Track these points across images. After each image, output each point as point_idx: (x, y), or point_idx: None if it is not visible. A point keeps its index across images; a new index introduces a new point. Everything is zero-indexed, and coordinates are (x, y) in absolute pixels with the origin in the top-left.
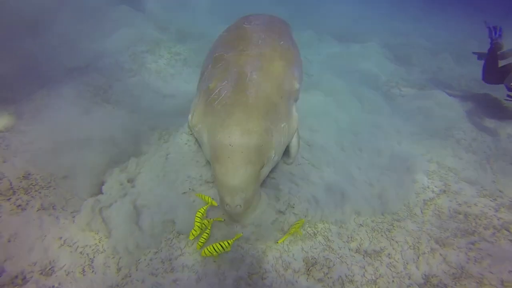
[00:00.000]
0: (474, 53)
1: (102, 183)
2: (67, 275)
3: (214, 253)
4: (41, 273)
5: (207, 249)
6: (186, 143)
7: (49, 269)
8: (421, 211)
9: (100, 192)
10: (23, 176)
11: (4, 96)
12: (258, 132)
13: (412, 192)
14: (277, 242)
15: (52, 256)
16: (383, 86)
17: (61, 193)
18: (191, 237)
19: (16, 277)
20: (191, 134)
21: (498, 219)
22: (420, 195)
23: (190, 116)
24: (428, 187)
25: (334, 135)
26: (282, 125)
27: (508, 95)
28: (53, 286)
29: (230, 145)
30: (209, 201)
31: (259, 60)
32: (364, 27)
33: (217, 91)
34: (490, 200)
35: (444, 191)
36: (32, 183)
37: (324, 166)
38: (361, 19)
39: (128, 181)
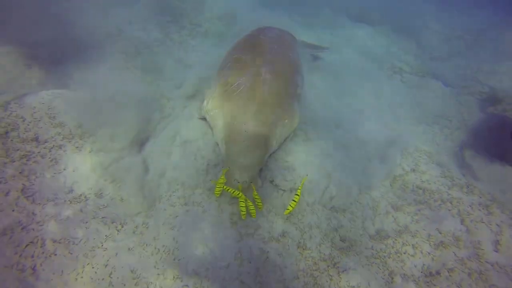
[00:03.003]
0: None
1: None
2: (111, 199)
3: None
4: (95, 195)
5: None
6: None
7: (100, 193)
8: (390, 184)
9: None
10: (77, 126)
11: (48, 61)
12: (267, 124)
13: (387, 168)
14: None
15: (102, 184)
16: (387, 70)
17: (104, 140)
18: (217, 195)
19: (80, 195)
20: (201, 118)
21: (448, 195)
22: (393, 171)
23: (205, 103)
24: (400, 165)
25: (332, 113)
26: (285, 121)
27: None
28: (104, 205)
29: (245, 131)
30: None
31: (272, 65)
32: (381, 8)
33: (235, 84)
34: (449, 181)
35: (413, 170)
36: (84, 131)
37: (317, 140)
38: (379, 1)
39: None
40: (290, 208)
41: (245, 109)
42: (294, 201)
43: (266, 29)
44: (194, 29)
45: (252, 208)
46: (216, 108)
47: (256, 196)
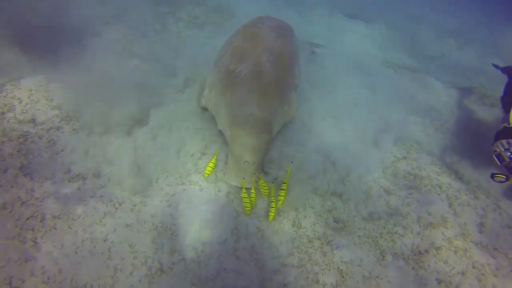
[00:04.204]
0: (494, 65)
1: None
2: (109, 180)
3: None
4: (93, 175)
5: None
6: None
7: (98, 173)
8: (382, 170)
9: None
10: (75, 109)
11: (44, 46)
12: (270, 110)
13: (381, 154)
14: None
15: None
16: (380, 65)
17: (101, 123)
18: (206, 175)
19: (78, 175)
20: (202, 107)
21: (437, 180)
22: (386, 158)
23: (206, 91)
24: (392, 153)
25: (330, 105)
26: (285, 108)
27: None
28: (101, 185)
29: (250, 114)
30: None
31: (271, 54)
32: (377, 7)
33: (238, 71)
34: (438, 168)
35: (405, 158)
36: (81, 114)
37: (315, 129)
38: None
39: None
40: (280, 201)
41: (248, 95)
42: (281, 195)
43: (265, 18)
44: (191, 21)
45: (253, 199)
46: (218, 96)
47: (264, 184)
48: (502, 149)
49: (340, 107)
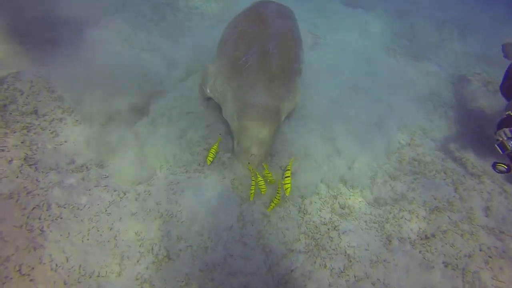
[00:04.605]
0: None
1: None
2: (112, 170)
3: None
4: (97, 166)
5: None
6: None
7: (101, 164)
8: (387, 157)
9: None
10: (76, 100)
11: (42, 38)
12: (278, 97)
13: (385, 141)
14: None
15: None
16: (381, 52)
17: (102, 114)
18: (208, 163)
19: (82, 166)
20: (206, 97)
21: (442, 166)
22: (390, 145)
23: (211, 80)
24: (396, 139)
25: (332, 92)
26: (291, 95)
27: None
28: (105, 175)
29: (258, 103)
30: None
31: (278, 40)
32: None
33: (243, 59)
34: (443, 153)
35: (409, 144)
36: (82, 105)
37: (318, 116)
38: None
39: None
40: (288, 190)
41: (256, 83)
42: (287, 182)
43: (266, 3)
44: (190, 11)
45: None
46: (225, 84)
47: (269, 174)
48: (505, 138)
49: (342, 94)
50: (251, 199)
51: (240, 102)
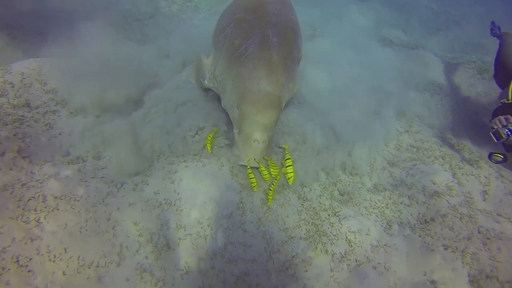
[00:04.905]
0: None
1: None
2: (109, 161)
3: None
4: (93, 158)
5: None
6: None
7: (98, 155)
8: (385, 144)
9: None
10: (70, 92)
11: (34, 31)
12: (279, 85)
13: (384, 128)
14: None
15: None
16: (378, 43)
17: (97, 106)
18: (209, 151)
19: (78, 158)
20: (204, 87)
21: (440, 152)
22: (389, 132)
23: (210, 69)
24: (394, 126)
25: (329, 81)
26: (290, 84)
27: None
28: (102, 167)
29: (259, 90)
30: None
31: (277, 27)
32: None
33: (243, 47)
34: (440, 140)
35: (407, 131)
36: (76, 97)
37: (316, 104)
38: None
39: None
40: (291, 179)
41: (256, 70)
42: (289, 171)
43: None
44: (184, 4)
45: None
46: (224, 73)
47: (273, 164)
48: (500, 126)
49: (340, 83)
50: (254, 190)
51: (241, 90)
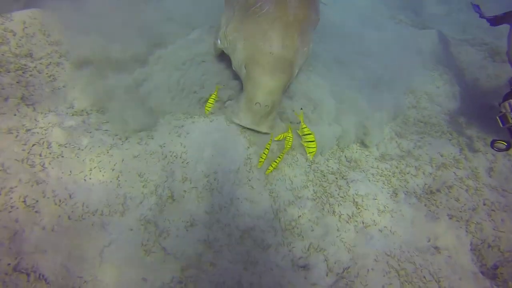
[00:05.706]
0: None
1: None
2: (113, 116)
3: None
4: (97, 111)
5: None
6: None
7: (102, 110)
8: (393, 117)
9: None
10: (75, 46)
11: None
12: (293, 49)
13: (392, 102)
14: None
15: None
16: (387, 21)
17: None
18: (206, 112)
19: (82, 110)
20: (218, 53)
21: (447, 127)
22: (397, 105)
23: (223, 29)
24: (402, 101)
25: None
26: (305, 49)
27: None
28: (107, 120)
29: (271, 52)
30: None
31: None
32: None
33: (258, 5)
34: (448, 116)
35: (415, 106)
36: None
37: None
38: None
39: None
40: (312, 154)
41: (271, 31)
42: (310, 144)
43: None
44: None
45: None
46: (236, 31)
47: (289, 135)
48: (509, 110)
49: (349, 56)
50: (259, 166)
51: (251, 50)
